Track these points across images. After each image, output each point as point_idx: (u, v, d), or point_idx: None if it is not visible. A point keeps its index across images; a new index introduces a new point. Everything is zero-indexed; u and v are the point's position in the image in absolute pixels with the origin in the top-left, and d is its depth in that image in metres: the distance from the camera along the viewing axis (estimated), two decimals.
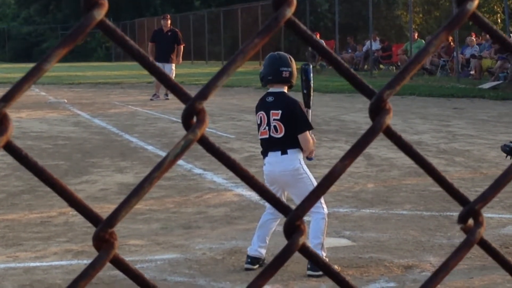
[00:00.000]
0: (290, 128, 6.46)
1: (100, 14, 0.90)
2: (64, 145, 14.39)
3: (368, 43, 36.01)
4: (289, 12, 0.96)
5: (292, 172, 6.45)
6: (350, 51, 38.43)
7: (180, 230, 7.92)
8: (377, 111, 1.00)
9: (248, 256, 6.59)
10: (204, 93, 0.95)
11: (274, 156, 6.49)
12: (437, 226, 7.90)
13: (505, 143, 8.60)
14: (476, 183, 9.97)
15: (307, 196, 0.99)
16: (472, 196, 1.03)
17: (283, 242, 0.95)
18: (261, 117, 6.59)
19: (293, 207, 0.99)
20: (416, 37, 33.15)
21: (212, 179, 10.61)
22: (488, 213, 7.89)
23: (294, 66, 6.68)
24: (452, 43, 30.16)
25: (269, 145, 6.54)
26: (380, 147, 12.56)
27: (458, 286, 6.00)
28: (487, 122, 17.14)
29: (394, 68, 35.38)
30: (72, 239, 7.59)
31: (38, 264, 6.82)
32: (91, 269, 0.93)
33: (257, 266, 6.56)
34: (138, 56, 0.93)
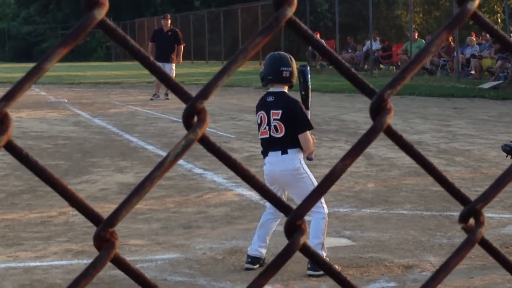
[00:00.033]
0: (290, 128, 6.46)
1: (101, 13, 0.90)
2: (64, 145, 14.39)
3: (368, 43, 36.00)
4: (290, 11, 0.96)
5: (292, 172, 6.45)
6: (350, 51, 38.42)
7: (180, 229, 7.92)
8: (378, 110, 1.00)
9: (249, 256, 6.59)
10: (205, 93, 0.94)
11: (274, 156, 6.49)
12: (437, 226, 7.90)
13: (505, 142, 8.61)
14: (477, 183, 9.97)
15: (308, 196, 0.99)
16: (472, 196, 1.02)
17: (283, 242, 0.95)
18: (261, 116, 6.58)
19: (294, 207, 0.99)
20: (416, 37, 33.15)
21: (212, 179, 10.61)
22: (488, 213, 7.89)
23: (295, 66, 6.68)
24: (452, 43, 30.15)
25: (269, 145, 6.54)
26: (380, 147, 12.56)
27: (459, 285, 6.00)
28: (487, 122, 17.14)
29: (394, 68, 35.37)
30: (72, 238, 7.59)
31: (38, 263, 6.82)
32: (92, 269, 0.93)
33: (257, 266, 6.56)
34: (139, 56, 0.93)
